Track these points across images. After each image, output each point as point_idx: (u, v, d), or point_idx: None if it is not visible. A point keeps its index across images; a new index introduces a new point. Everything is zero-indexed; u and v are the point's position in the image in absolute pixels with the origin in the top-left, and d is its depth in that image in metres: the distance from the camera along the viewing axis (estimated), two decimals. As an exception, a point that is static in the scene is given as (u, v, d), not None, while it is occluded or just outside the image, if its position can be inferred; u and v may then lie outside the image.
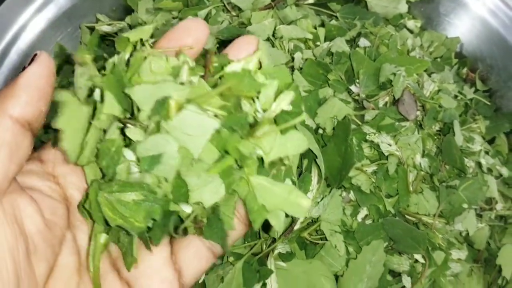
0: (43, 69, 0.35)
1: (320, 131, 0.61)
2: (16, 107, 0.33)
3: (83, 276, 0.37)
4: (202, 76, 0.39)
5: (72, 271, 0.37)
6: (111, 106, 0.36)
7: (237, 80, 0.37)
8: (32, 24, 0.71)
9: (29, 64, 0.35)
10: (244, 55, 0.41)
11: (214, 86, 0.38)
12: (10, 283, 0.31)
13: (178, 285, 0.40)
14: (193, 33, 0.40)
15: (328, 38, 0.71)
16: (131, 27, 0.77)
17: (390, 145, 0.60)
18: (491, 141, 0.76)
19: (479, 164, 0.68)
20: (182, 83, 0.37)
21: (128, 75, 0.37)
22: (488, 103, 0.76)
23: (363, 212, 0.60)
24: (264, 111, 0.37)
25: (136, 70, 0.37)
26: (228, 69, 0.38)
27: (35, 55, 0.36)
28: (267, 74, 0.39)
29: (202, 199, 0.35)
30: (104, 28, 0.76)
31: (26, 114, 0.33)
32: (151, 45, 0.40)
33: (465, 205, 0.62)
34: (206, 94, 0.36)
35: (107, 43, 0.77)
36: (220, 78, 0.39)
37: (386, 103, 0.64)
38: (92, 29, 0.77)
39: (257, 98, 0.37)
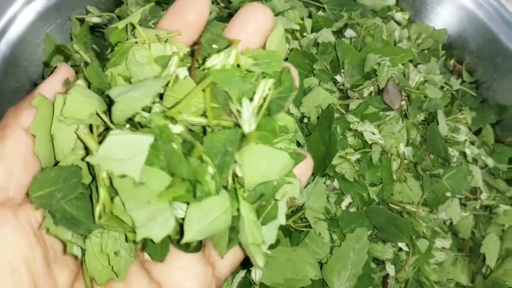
0: (61, 81, 0.36)
1: (305, 120, 0.62)
2: (30, 120, 0.34)
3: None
4: (189, 68, 0.38)
5: None
6: (72, 110, 0.34)
7: (224, 78, 0.36)
8: (21, 15, 0.71)
9: (48, 76, 0.36)
10: (252, 29, 0.39)
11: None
12: None
13: (212, 279, 0.39)
14: (195, 7, 0.38)
15: (315, 29, 0.71)
16: (120, 18, 0.77)
17: (373, 133, 0.60)
18: (477, 132, 0.77)
19: (464, 154, 0.69)
20: (167, 75, 0.36)
21: (108, 65, 0.37)
22: (475, 94, 0.77)
23: (347, 200, 0.61)
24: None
25: (117, 62, 0.37)
26: (209, 63, 0.37)
27: (55, 67, 0.37)
28: (257, 58, 0.37)
29: (150, 235, 0.33)
30: (94, 19, 0.77)
31: None
32: (152, 25, 0.39)
33: (448, 194, 0.62)
34: (190, 92, 0.35)
35: (96, 35, 0.78)
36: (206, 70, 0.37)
37: (371, 92, 0.65)
38: (82, 20, 0.78)
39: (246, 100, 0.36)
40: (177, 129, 0.33)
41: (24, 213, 0.33)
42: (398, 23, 0.81)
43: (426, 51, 0.80)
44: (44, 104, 0.35)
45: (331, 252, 0.59)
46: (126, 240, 0.35)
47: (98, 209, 0.33)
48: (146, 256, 0.38)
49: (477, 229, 0.68)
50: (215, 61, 0.37)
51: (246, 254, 0.38)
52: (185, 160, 0.32)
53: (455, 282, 0.65)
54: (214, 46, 0.39)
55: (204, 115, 0.35)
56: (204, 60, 0.38)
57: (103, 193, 0.33)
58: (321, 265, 0.59)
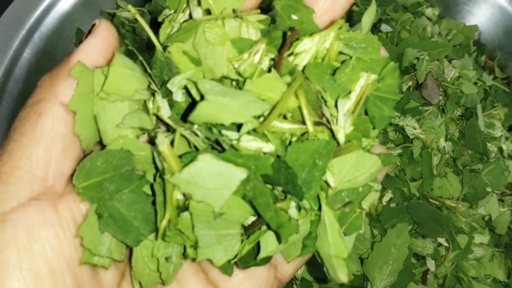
0: (101, 42, 0.30)
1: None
2: (70, 92, 0.29)
3: None
4: (272, 61, 0.32)
5: None
6: (116, 83, 0.30)
7: (316, 76, 0.31)
8: (55, 10, 0.71)
9: (86, 36, 0.30)
10: (321, 6, 0.34)
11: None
12: None
13: (274, 282, 0.36)
14: None
15: (350, 24, 0.71)
16: (151, 13, 0.77)
17: (415, 128, 0.60)
18: (509, 129, 0.77)
19: (500, 150, 0.69)
20: (243, 64, 0.31)
21: (170, 39, 0.32)
22: (507, 90, 0.77)
23: (388, 195, 0.61)
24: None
25: (181, 38, 0.32)
26: (300, 47, 0.31)
27: (93, 25, 0.30)
28: (351, 40, 0.32)
29: (213, 258, 0.30)
30: (125, 14, 0.77)
31: None
32: None
33: (488, 189, 0.62)
34: (282, 98, 0.29)
35: (127, 29, 0.77)
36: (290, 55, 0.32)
37: (409, 87, 0.64)
38: (112, 15, 0.77)
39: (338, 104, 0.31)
40: (268, 148, 0.29)
41: (67, 206, 0.29)
42: (429, 19, 0.80)
43: (457, 47, 0.79)
44: (85, 75, 0.30)
45: (372, 247, 0.59)
46: (184, 255, 0.32)
47: (163, 224, 0.29)
48: None
49: (514, 225, 0.68)
50: (307, 46, 0.31)
51: (318, 260, 0.34)
52: (273, 205, 0.29)
53: (492, 278, 0.65)
54: (294, 16, 0.33)
55: (292, 119, 0.31)
56: (284, 38, 0.32)
57: (171, 210, 0.29)
58: (362, 260, 0.59)
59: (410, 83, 0.64)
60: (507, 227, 0.67)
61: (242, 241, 0.31)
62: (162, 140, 0.28)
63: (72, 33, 0.74)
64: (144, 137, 0.32)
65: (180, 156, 0.29)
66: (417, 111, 0.61)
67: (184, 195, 0.29)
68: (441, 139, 0.62)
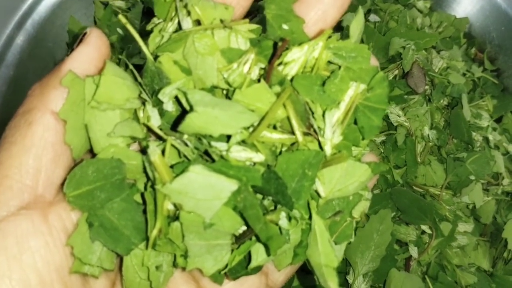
0: (93, 51, 0.30)
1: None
2: (60, 102, 0.29)
3: None
4: (262, 71, 0.32)
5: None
6: (107, 92, 0.30)
7: (304, 87, 0.31)
8: (47, -3, 0.72)
9: (77, 44, 0.30)
10: (312, 16, 0.34)
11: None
12: None
13: None
14: None
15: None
16: (143, 3, 0.78)
17: (399, 116, 0.61)
18: (498, 120, 0.77)
19: (486, 140, 0.69)
20: (233, 74, 0.32)
21: (160, 49, 0.32)
22: (496, 82, 0.77)
23: (372, 181, 0.61)
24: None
25: (171, 48, 0.32)
26: (288, 57, 0.31)
27: (85, 33, 0.30)
28: (341, 49, 0.32)
29: (202, 268, 0.31)
30: (118, 3, 0.78)
31: None
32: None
33: (472, 177, 0.63)
34: (271, 109, 0.30)
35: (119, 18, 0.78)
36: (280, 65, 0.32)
37: (395, 76, 0.65)
38: (106, 4, 0.78)
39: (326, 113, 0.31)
40: (258, 158, 0.30)
41: (57, 215, 0.29)
42: (420, 11, 0.81)
43: (447, 39, 0.80)
44: (76, 84, 0.30)
45: (355, 233, 0.59)
46: (174, 264, 0.32)
47: (153, 234, 0.29)
48: None
49: (499, 215, 0.68)
50: (296, 55, 0.31)
51: (309, 268, 0.34)
52: (262, 217, 0.29)
53: (476, 266, 0.65)
54: (285, 26, 0.33)
55: (282, 129, 0.31)
56: (275, 48, 0.32)
57: (161, 220, 0.29)
58: (344, 245, 0.60)
59: (396, 71, 0.65)
60: (492, 217, 0.67)
61: (232, 251, 0.32)
62: (154, 150, 0.28)
63: (64, 21, 0.75)
64: (135, 146, 0.33)
65: (171, 166, 0.29)
66: (402, 100, 0.62)
67: (174, 205, 0.30)
68: (426, 127, 0.63)
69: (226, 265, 0.32)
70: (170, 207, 0.30)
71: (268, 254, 0.31)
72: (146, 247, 0.31)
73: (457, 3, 0.83)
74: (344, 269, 0.60)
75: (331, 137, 0.31)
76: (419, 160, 0.62)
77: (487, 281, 0.64)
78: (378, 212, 0.59)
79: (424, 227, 0.61)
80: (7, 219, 0.27)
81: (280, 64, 0.32)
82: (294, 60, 0.32)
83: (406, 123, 0.61)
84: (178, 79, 0.32)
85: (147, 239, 0.30)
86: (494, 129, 0.72)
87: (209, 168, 0.28)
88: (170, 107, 0.31)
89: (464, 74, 0.74)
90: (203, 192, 0.28)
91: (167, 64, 0.32)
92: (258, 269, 0.33)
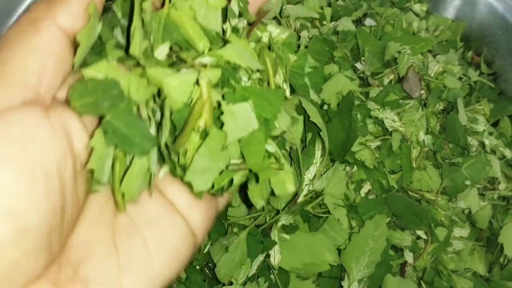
0: None
1: (325, 107, 0.62)
2: (66, 17, 0.30)
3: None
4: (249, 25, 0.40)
5: (109, 194, 0.34)
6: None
7: None
8: None
9: None
10: None
11: None
12: (56, 203, 0.28)
13: (191, 236, 0.37)
14: None
15: (335, 18, 0.72)
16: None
17: (394, 121, 0.60)
18: (495, 125, 0.77)
19: (482, 144, 0.69)
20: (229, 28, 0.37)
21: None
22: (493, 86, 0.77)
23: (366, 187, 0.61)
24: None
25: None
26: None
27: None
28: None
29: (192, 183, 0.33)
30: None
31: (75, 29, 0.30)
32: None
33: (467, 182, 0.62)
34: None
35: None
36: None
37: (390, 81, 0.65)
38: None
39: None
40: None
41: (56, 116, 0.29)
42: (416, 15, 0.81)
43: (444, 43, 0.80)
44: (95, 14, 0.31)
45: (350, 239, 0.59)
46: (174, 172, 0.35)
47: (163, 139, 0.32)
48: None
49: (495, 219, 0.68)
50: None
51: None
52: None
53: (472, 271, 0.65)
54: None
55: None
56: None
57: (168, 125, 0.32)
58: (339, 251, 0.60)
59: (391, 76, 0.65)
60: (488, 222, 0.67)
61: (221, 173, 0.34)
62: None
63: None
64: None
65: None
66: (397, 104, 0.62)
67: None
68: (421, 132, 0.62)
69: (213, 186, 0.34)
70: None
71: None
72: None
73: (454, 7, 0.83)
74: (339, 274, 0.60)
75: None
76: (414, 165, 0.62)
77: (483, 286, 0.64)
78: (373, 218, 0.59)
79: (419, 233, 0.61)
80: (11, 110, 0.27)
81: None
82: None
83: (401, 128, 0.61)
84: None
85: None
86: (491, 134, 0.72)
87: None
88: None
89: (460, 78, 0.74)
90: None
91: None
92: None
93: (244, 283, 0.57)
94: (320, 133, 0.58)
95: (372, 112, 0.61)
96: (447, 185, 0.62)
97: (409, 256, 0.60)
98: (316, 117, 0.57)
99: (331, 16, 0.72)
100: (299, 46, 0.67)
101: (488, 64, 0.81)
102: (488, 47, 0.80)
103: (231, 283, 0.57)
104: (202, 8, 0.36)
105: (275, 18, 0.70)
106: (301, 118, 0.59)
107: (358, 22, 0.72)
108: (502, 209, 0.69)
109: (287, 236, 0.59)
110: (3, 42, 0.30)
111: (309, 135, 0.59)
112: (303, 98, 0.56)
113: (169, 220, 0.36)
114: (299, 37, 0.68)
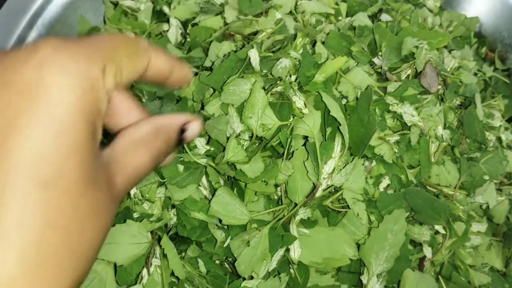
0: None
1: (343, 101, 0.62)
2: None
3: None
4: None
5: None
6: None
7: None
8: (57, -4, 0.72)
9: None
10: None
11: None
12: None
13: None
14: None
15: (350, 13, 0.72)
16: (153, 2, 0.78)
17: (412, 115, 0.60)
18: (509, 120, 0.77)
19: (499, 139, 0.69)
20: None
21: None
22: (507, 81, 0.77)
23: (385, 181, 0.61)
24: None
25: None
26: None
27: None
28: None
29: None
30: (127, 3, 0.77)
31: None
32: None
33: (486, 177, 0.62)
34: None
35: (129, 18, 0.78)
36: None
37: (408, 76, 0.65)
38: (115, 4, 0.78)
39: None
40: None
41: None
42: (430, 10, 0.81)
43: (458, 38, 0.80)
44: None
45: (369, 233, 0.59)
46: None
47: None
48: None
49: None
50: None
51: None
52: None
53: (490, 266, 0.65)
54: None
55: None
56: None
57: None
58: (358, 245, 0.59)
59: (409, 71, 0.65)
60: (505, 217, 0.67)
61: None
62: None
63: (74, 21, 0.74)
64: None
65: None
66: (415, 99, 0.62)
67: None
68: (439, 127, 0.62)
69: None
70: None
71: None
72: None
73: (468, 2, 0.83)
74: (358, 269, 0.59)
75: None
76: (433, 160, 0.62)
77: (500, 281, 0.64)
78: (392, 212, 0.59)
79: (437, 227, 0.61)
80: None
81: None
82: None
83: (420, 122, 0.61)
84: None
85: None
86: (506, 129, 0.72)
87: None
88: None
89: (475, 74, 0.74)
90: None
91: None
92: None
93: (265, 278, 0.57)
94: (340, 127, 0.58)
95: (390, 106, 0.61)
96: (465, 180, 0.62)
97: (427, 251, 0.60)
98: (336, 112, 0.57)
99: (346, 12, 0.72)
100: (315, 42, 0.67)
101: (502, 60, 0.81)
102: (502, 42, 0.80)
103: (251, 278, 0.57)
104: None
105: (290, 13, 0.70)
106: (318, 112, 0.59)
107: (373, 17, 0.72)
108: (518, 205, 0.69)
109: (306, 231, 0.59)
110: None
111: (329, 130, 0.59)
112: (324, 92, 0.56)
113: None
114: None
